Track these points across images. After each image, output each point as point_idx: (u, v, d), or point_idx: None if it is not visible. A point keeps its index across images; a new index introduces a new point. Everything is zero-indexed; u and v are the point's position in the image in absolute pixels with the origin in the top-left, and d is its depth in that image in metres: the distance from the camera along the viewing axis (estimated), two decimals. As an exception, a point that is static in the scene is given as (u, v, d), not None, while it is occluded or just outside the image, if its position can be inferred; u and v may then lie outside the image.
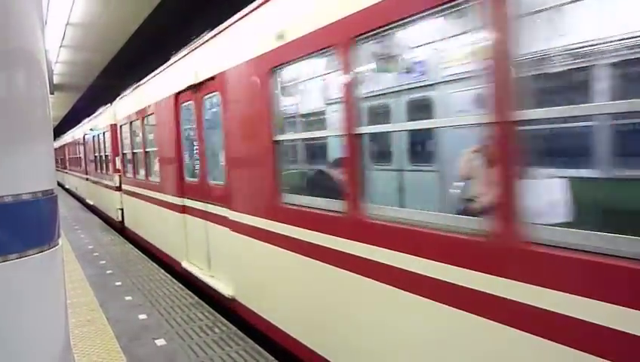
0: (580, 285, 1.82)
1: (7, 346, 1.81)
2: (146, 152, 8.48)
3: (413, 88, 5.59)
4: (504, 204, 2.13)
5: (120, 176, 10.96)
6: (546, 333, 1.93)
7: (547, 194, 2.52)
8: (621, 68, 3.25)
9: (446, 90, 5.20)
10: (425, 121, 5.18)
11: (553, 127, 3.61)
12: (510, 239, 2.10)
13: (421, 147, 5.88)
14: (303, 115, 6.21)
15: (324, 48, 3.28)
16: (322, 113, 6.03)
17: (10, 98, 1.82)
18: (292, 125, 5.85)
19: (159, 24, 12.70)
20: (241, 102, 4.63)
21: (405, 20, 2.60)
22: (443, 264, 2.44)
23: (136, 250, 9.26)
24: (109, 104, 12.15)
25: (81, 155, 18.43)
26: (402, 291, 2.72)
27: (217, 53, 5.24)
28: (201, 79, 5.50)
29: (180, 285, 6.55)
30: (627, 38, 3.14)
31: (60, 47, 14.66)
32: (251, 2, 4.50)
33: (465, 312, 2.32)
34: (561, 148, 3.73)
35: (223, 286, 5.26)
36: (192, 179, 6.28)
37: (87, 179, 17.19)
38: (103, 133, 12.70)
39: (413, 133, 5.75)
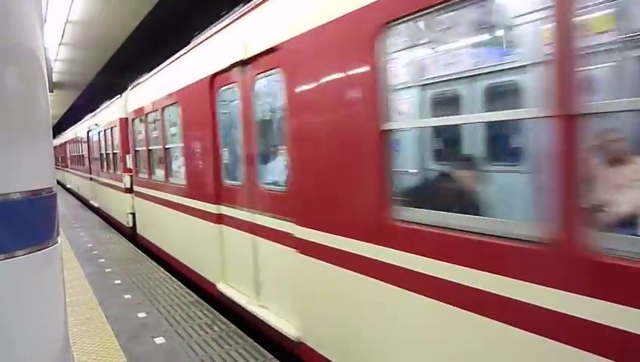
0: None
1: (6, 344, 1.81)
2: (167, 149, 7.21)
3: None
4: None
5: (131, 176, 9.86)
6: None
7: None
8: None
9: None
10: None
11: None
12: None
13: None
14: (433, 92, 4.98)
15: None
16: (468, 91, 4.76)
17: (9, 96, 1.82)
18: (420, 108, 4.69)
19: (159, 22, 12.68)
20: (321, 78, 3.38)
21: None
22: None
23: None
24: (119, 95, 10.82)
25: (85, 153, 17.24)
26: None
27: (280, 16, 4.01)
28: (252, 53, 4.31)
29: (180, 283, 6.56)
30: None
31: (60, 44, 14.64)
32: None
33: None
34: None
35: (284, 324, 4.07)
36: (233, 183, 5.08)
37: (91, 179, 15.84)
38: (111, 129, 11.55)
39: None
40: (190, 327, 4.90)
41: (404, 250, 2.71)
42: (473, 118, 4.62)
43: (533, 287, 2.04)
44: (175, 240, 7.19)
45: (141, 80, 8.90)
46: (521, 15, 3.70)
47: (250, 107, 4.52)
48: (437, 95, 5.23)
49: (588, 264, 1.88)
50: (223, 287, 5.28)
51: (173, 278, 6.83)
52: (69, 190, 23.80)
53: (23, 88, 1.92)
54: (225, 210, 5.21)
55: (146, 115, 8.17)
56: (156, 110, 7.50)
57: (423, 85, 5.22)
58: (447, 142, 4.85)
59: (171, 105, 6.78)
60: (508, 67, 4.40)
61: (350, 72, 3.10)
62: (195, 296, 5.94)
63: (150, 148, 8.18)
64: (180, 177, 6.75)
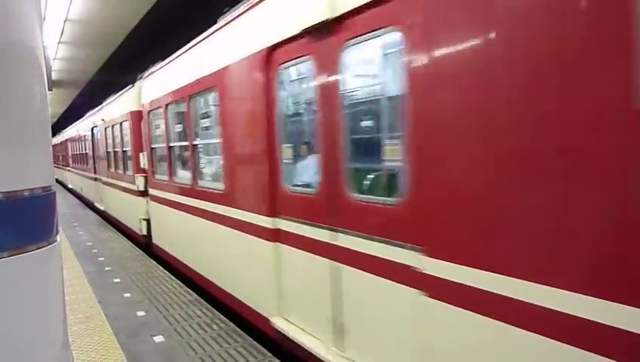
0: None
1: (5, 342, 1.81)
2: (195, 147, 5.99)
3: None
4: None
5: (145, 178, 8.51)
6: None
7: None
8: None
9: None
10: None
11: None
12: None
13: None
14: None
15: None
16: None
17: (8, 94, 1.82)
18: None
19: (158, 20, 12.65)
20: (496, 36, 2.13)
21: None
22: None
23: (164, 269, 7.34)
24: (130, 86, 9.53)
25: (89, 151, 15.71)
26: None
27: None
28: (345, 9, 3.07)
29: (179, 282, 6.56)
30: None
31: (59, 43, 14.60)
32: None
33: None
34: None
35: None
36: (300, 190, 3.91)
37: (95, 180, 14.44)
38: (120, 124, 10.31)
39: None
40: (189, 326, 4.91)
41: None
42: None
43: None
44: (206, 256, 5.88)
45: (160, 65, 7.40)
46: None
47: (335, 87, 3.25)
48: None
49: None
50: (281, 324, 4.07)
51: (173, 277, 6.84)
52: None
53: (22, 87, 1.92)
54: (285, 225, 4.01)
55: (167, 106, 6.88)
56: (181, 100, 6.24)
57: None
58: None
59: (203, 92, 5.63)
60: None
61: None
62: (195, 295, 5.94)
63: (171, 145, 6.95)
64: (215, 180, 5.71)
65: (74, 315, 5.22)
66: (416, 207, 2.65)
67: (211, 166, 6.27)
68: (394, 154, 2.96)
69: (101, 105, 13.00)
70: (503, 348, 2.17)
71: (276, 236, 4.13)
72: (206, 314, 5.25)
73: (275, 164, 4.08)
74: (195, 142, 6.04)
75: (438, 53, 2.45)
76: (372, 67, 3.55)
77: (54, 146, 26.06)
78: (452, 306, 2.41)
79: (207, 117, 6.04)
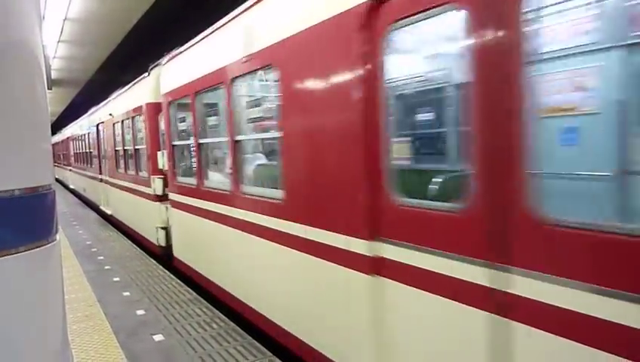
0: None
1: (5, 341, 1.81)
2: (237, 143, 4.78)
3: None
4: None
5: (164, 180, 7.51)
6: None
7: None
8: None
9: None
10: None
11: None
12: None
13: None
14: None
15: None
16: None
17: (7, 93, 1.82)
18: None
19: (158, 19, 12.64)
20: None
21: None
22: None
23: (164, 269, 7.15)
24: (144, 74, 8.33)
25: (93, 150, 14.38)
26: None
27: None
28: None
29: (178, 281, 6.56)
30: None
31: (58, 42, 14.57)
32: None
33: None
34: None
35: None
36: (425, 203, 2.78)
37: (101, 181, 13.17)
38: (131, 119, 9.17)
39: None
40: (189, 325, 4.91)
41: None
42: None
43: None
44: (255, 282, 4.64)
45: (187, 45, 6.16)
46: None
47: (517, 51, 2.08)
48: None
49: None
50: None
51: (172, 276, 6.84)
52: (72, 191, 21.56)
53: (22, 85, 1.92)
54: (394, 253, 2.85)
55: (196, 94, 5.69)
56: (218, 85, 5.08)
57: None
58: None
59: (252, 73, 4.48)
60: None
61: None
62: (194, 294, 5.94)
63: (202, 141, 5.76)
64: (269, 186, 4.63)
65: (73, 314, 5.22)
66: None
67: (262, 168, 5.38)
68: None
69: (108, 99, 11.83)
70: None
71: (377, 267, 2.94)
72: (206, 312, 5.26)
73: (377, 167, 2.88)
74: (237, 138, 4.75)
75: None
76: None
77: (55, 145, 26.07)
78: None
79: (257, 105, 5.06)
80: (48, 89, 2.17)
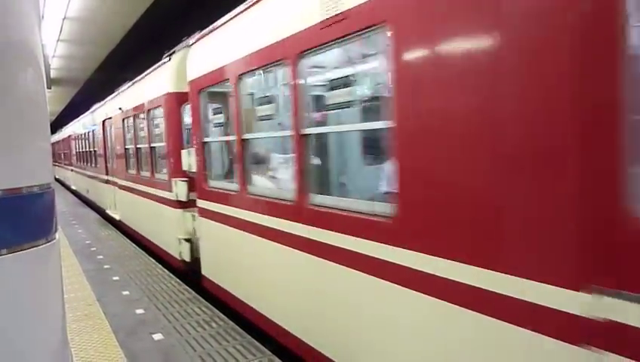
0: None
1: (4, 340, 1.82)
2: (303, 138, 3.60)
3: None
4: None
5: (188, 183, 6.42)
6: None
7: None
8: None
9: None
10: None
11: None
12: None
13: None
14: None
15: None
16: None
17: (6, 92, 1.82)
18: None
19: (157, 18, 12.64)
20: None
21: None
22: None
23: (162, 267, 7.04)
24: (164, 59, 7.19)
25: (98, 149, 13.14)
26: None
27: None
28: None
29: (178, 280, 6.56)
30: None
31: (57, 41, 14.58)
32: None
33: None
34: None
35: None
36: None
37: (107, 182, 11.94)
38: (146, 112, 7.95)
39: None
40: (188, 324, 4.92)
41: None
42: None
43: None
44: (342, 329, 3.35)
45: (228, 17, 4.95)
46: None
47: None
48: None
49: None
50: None
51: (172, 275, 6.84)
52: (74, 192, 20.14)
53: (21, 85, 1.92)
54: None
55: (240, 77, 4.56)
56: (275, 63, 3.98)
57: None
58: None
59: (338, 41, 3.18)
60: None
61: None
62: (193, 293, 5.95)
63: (247, 136, 4.60)
64: (363, 196, 3.52)
65: (73, 313, 5.23)
66: None
67: (347, 170, 4.47)
68: None
69: (116, 92, 10.67)
70: None
71: (604, 338, 1.73)
72: (205, 311, 5.26)
73: (614, 168, 1.70)
74: (305, 131, 3.55)
75: None
76: None
77: (55, 144, 25.89)
78: None
79: (346, 85, 3.61)
80: (47, 88, 2.17)
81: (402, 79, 2.65)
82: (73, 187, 20.16)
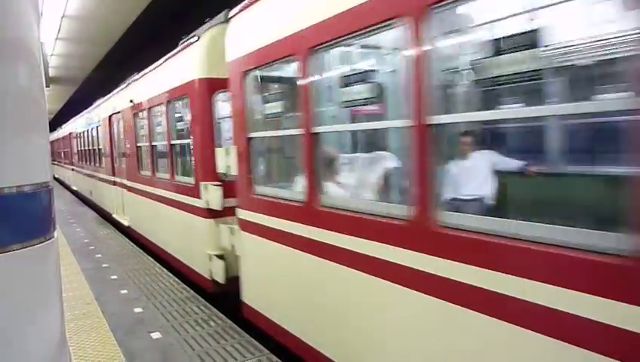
0: None
1: (3, 339, 1.82)
2: (432, 128, 2.48)
3: None
4: None
5: (222, 188, 5.35)
6: None
7: None
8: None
9: None
10: None
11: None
12: None
13: None
14: None
15: None
16: None
17: (5, 91, 1.82)
18: None
19: (156, 16, 12.62)
20: None
21: None
22: None
23: (161, 267, 6.91)
24: (191, 38, 5.99)
25: (103, 147, 12.00)
26: None
27: None
28: None
29: (176, 279, 6.56)
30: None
31: (56, 39, 14.56)
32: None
33: None
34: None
35: None
36: None
37: (114, 183, 10.84)
38: (167, 104, 6.76)
39: None
40: (187, 322, 4.91)
41: None
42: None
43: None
44: None
45: None
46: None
47: None
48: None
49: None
50: None
51: (170, 274, 6.84)
52: (75, 193, 19.07)
53: (20, 83, 1.92)
54: None
55: (312, 50, 3.39)
56: (382, 22, 2.78)
57: None
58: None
59: None
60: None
61: None
62: (192, 292, 5.95)
63: (320, 130, 3.46)
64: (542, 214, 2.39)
65: (71, 312, 5.22)
66: None
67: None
68: None
69: (126, 83, 9.48)
70: None
71: None
72: (203, 311, 5.26)
73: None
74: (436, 120, 2.48)
75: None
76: None
77: (54, 142, 25.74)
78: None
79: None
80: (46, 87, 2.17)
81: None
82: (74, 187, 19.10)
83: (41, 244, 1.93)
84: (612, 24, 2.54)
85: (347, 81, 3.73)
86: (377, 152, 4.20)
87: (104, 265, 7.47)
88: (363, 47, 4.03)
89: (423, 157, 2.55)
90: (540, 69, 2.35)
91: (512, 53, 2.35)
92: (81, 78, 22.25)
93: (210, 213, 5.56)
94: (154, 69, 7.62)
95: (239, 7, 4.64)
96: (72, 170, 19.59)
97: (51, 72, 19.37)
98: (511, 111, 2.87)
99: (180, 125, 6.94)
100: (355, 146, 4.67)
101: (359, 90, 3.53)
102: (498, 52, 2.48)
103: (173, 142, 6.79)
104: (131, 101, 8.60)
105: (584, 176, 3.13)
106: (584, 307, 1.82)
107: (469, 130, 2.93)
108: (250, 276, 4.63)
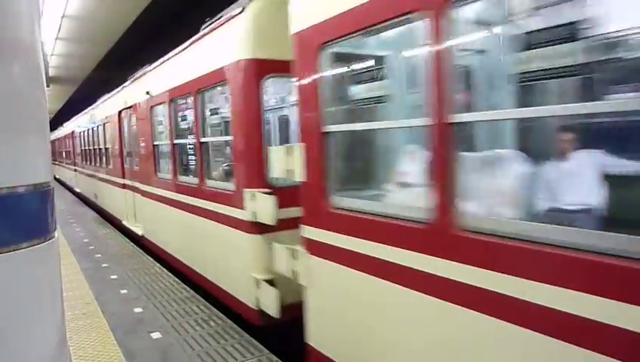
0: None
1: (2, 339, 1.82)
2: None
3: None
4: None
5: (274, 196, 4.26)
6: None
7: None
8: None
9: None
10: None
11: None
12: None
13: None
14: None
15: None
16: None
17: (6, 90, 1.82)
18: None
19: (156, 16, 12.63)
20: None
21: None
22: None
23: (161, 266, 6.91)
24: (237, 10, 4.72)
25: (111, 146, 11.02)
26: None
27: None
28: None
29: (176, 279, 6.56)
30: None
31: (56, 39, 14.56)
32: None
33: None
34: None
35: None
36: None
37: (124, 186, 9.82)
38: (195, 94, 5.66)
39: None
40: (186, 322, 4.91)
41: None
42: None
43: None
44: None
45: None
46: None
47: None
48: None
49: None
50: None
51: (170, 274, 6.84)
52: (78, 195, 18.07)
53: (20, 83, 1.92)
54: None
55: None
56: None
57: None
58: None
59: None
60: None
61: None
62: (192, 292, 5.94)
63: (459, 120, 2.33)
64: None
65: (71, 312, 5.22)
66: None
67: None
68: None
69: (142, 71, 8.34)
70: None
71: None
72: (203, 310, 5.26)
73: None
74: None
75: None
76: None
77: (55, 141, 25.61)
78: None
79: None
80: (46, 86, 2.17)
81: None
82: (77, 189, 17.95)
83: (41, 244, 1.93)
84: None
85: (530, 40, 2.61)
86: (501, 150, 3.09)
87: (104, 265, 7.47)
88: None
89: None
90: None
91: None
92: (81, 78, 22.26)
93: (258, 228, 4.45)
94: (178, 54, 6.47)
95: None
96: (75, 170, 18.62)
97: (51, 72, 19.38)
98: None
99: (213, 119, 6.06)
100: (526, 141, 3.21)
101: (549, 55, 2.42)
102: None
103: (203, 139, 5.70)
104: (148, 93, 7.57)
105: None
106: None
107: (570, 125, 2.31)
108: (324, 314, 3.50)
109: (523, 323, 2.03)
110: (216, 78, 5.15)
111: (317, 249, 3.45)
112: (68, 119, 22.13)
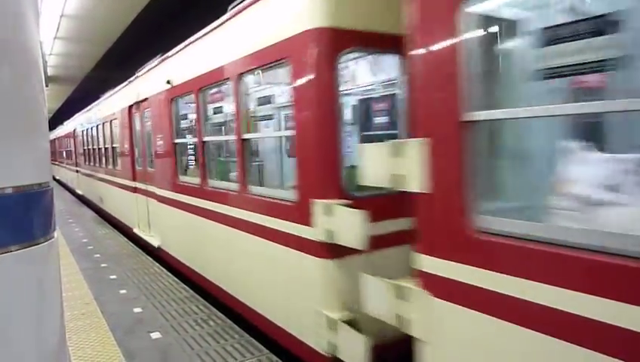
0: None
1: (2, 339, 1.81)
2: None
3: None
4: None
5: (363, 214, 3.03)
6: None
7: None
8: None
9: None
10: None
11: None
12: None
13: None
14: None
15: None
16: None
17: (4, 90, 1.81)
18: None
19: (155, 15, 12.61)
20: None
21: None
22: None
23: (160, 266, 7.05)
24: None
25: (119, 144, 9.91)
26: None
27: None
28: None
29: (175, 278, 6.56)
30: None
31: (55, 38, 14.53)
32: None
33: None
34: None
35: None
36: None
37: (134, 190, 8.78)
38: (237, 80, 4.49)
39: None
40: (186, 322, 4.91)
41: None
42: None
43: None
44: None
45: None
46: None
47: None
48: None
49: None
50: None
51: (169, 273, 6.83)
52: (80, 198, 17.06)
53: (19, 83, 1.91)
54: None
55: None
56: None
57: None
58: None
59: None
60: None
61: None
62: (191, 291, 5.94)
63: None
64: None
65: (70, 312, 5.21)
66: None
67: None
68: None
69: (163, 56, 7.03)
70: None
71: None
72: (203, 310, 5.26)
73: None
74: None
75: None
76: None
77: (55, 140, 25.46)
78: None
79: None
80: (45, 86, 2.16)
81: None
82: (79, 191, 16.86)
83: (41, 244, 1.93)
84: None
85: None
86: None
87: (103, 265, 7.46)
88: None
89: None
90: None
91: None
92: (79, 77, 22.21)
93: (333, 251, 3.38)
94: (211, 32, 5.24)
95: None
96: (77, 171, 17.38)
97: (50, 71, 19.34)
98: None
99: (261, 110, 5.02)
100: None
101: None
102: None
103: (246, 135, 4.59)
104: (169, 82, 6.41)
105: None
106: None
107: None
108: None
109: None
110: (270, 57, 3.98)
111: (446, 290, 2.40)
112: (67, 118, 22.08)
